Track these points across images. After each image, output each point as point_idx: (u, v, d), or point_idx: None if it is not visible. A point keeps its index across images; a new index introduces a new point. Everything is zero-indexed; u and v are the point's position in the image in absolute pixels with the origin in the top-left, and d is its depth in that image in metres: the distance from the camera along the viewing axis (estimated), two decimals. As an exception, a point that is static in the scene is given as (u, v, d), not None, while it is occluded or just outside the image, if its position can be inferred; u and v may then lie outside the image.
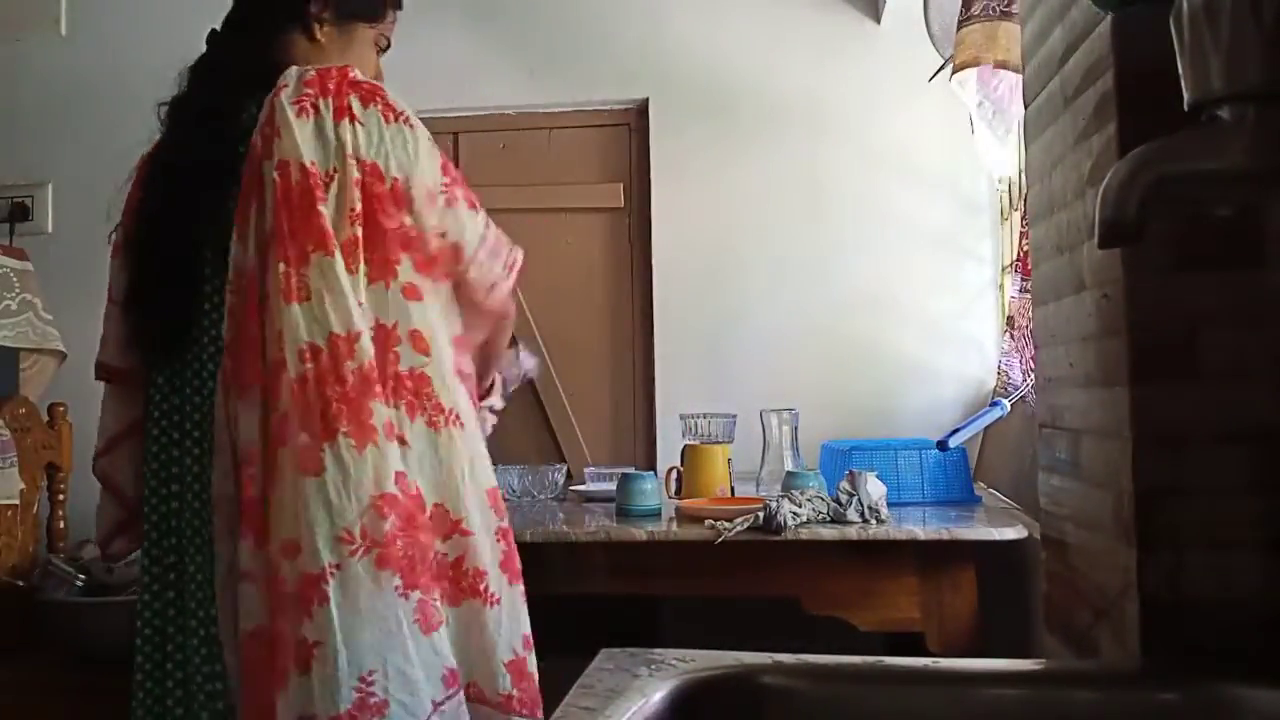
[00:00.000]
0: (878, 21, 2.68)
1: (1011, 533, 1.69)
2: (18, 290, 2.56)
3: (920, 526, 1.72)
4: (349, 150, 1.22)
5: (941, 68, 2.27)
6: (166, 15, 2.95)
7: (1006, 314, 2.37)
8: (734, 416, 2.18)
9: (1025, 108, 1.19)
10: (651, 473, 2.03)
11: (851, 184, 2.67)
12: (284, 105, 1.23)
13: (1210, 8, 0.65)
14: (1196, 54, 0.67)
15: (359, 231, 1.22)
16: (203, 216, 1.30)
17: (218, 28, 1.45)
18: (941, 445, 1.96)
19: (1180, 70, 0.68)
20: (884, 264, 2.64)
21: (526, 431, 2.70)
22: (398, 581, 1.16)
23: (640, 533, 1.76)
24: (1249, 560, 0.82)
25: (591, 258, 2.79)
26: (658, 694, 0.77)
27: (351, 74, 1.29)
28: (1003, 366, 2.30)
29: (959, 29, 1.93)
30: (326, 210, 1.20)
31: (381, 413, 1.19)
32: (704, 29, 2.75)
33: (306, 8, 1.38)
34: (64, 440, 2.59)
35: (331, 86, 1.25)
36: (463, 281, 1.31)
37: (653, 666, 0.82)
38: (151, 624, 1.35)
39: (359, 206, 1.22)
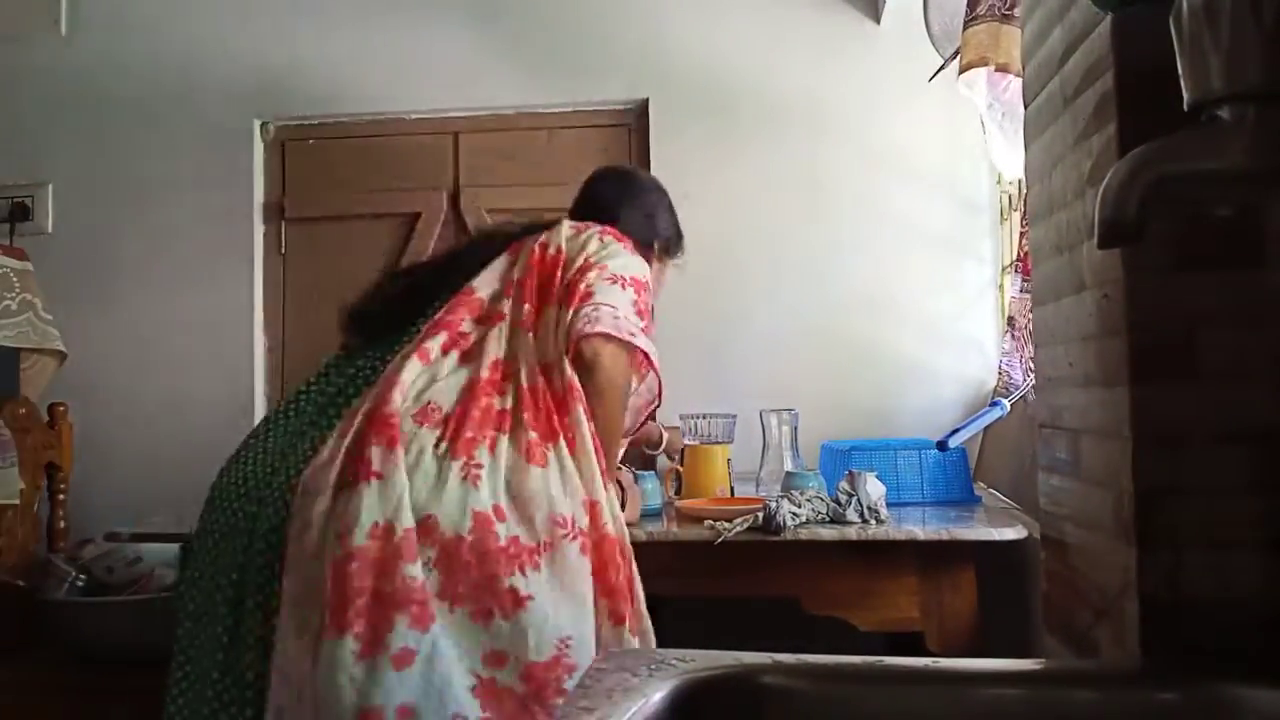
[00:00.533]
0: (878, 21, 2.68)
1: (1011, 533, 1.69)
2: (18, 290, 2.56)
3: (920, 526, 1.72)
4: (585, 249, 1.60)
5: (941, 68, 2.27)
6: (166, 15, 2.95)
7: (1007, 314, 2.37)
8: (734, 416, 2.18)
9: (1025, 108, 1.19)
10: (651, 473, 2.03)
11: (851, 184, 2.67)
12: (564, 220, 1.68)
13: (1210, 8, 0.65)
14: (1196, 54, 0.67)
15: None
16: (457, 272, 1.64)
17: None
18: (941, 445, 1.96)
19: (1180, 70, 0.69)
20: (884, 264, 2.64)
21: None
22: (589, 569, 1.38)
23: (640, 533, 1.76)
24: (1249, 560, 0.82)
25: (591, 258, 2.79)
26: (658, 694, 0.77)
27: (617, 231, 1.68)
28: (1003, 367, 2.30)
29: (965, 28, 1.93)
30: (558, 280, 1.58)
31: (586, 427, 1.46)
32: (704, 29, 2.75)
33: (653, 247, 1.86)
34: (64, 440, 2.59)
35: (599, 228, 1.67)
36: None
37: (653, 666, 0.82)
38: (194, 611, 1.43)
39: (583, 288, 1.55)
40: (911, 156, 2.64)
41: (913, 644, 1.77)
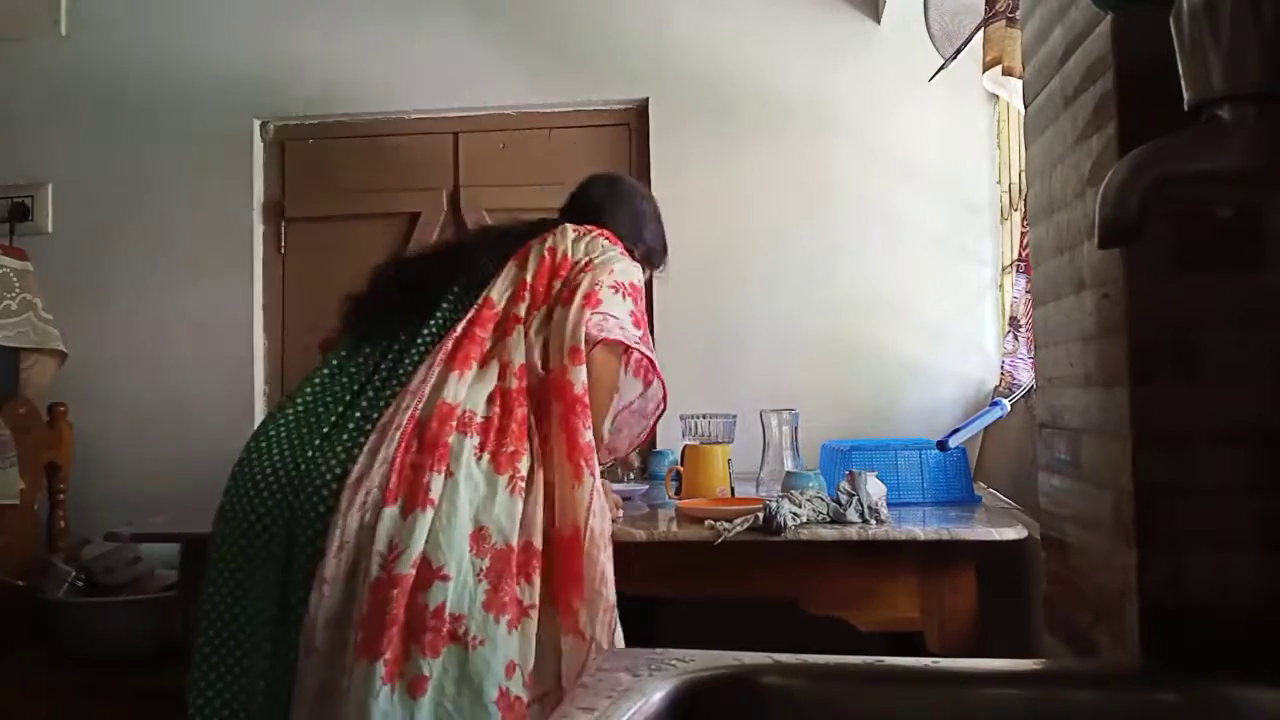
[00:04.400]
0: (878, 21, 2.68)
1: (1011, 533, 1.68)
2: (18, 290, 2.56)
3: (920, 526, 1.72)
4: (589, 254, 1.67)
5: (941, 68, 2.27)
6: (166, 15, 2.95)
7: (1009, 314, 2.37)
8: (734, 416, 2.18)
9: (1025, 108, 1.19)
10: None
11: (851, 184, 2.67)
12: (567, 225, 1.73)
13: (1210, 8, 0.65)
14: (1196, 54, 0.67)
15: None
16: (459, 270, 1.69)
17: None
18: (941, 445, 1.96)
19: (1180, 70, 0.68)
20: (884, 264, 2.64)
21: (526, 431, 2.70)
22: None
23: (640, 533, 1.76)
24: (1249, 560, 0.82)
25: (591, 258, 2.79)
26: (658, 694, 0.77)
27: (614, 234, 1.76)
28: (1006, 367, 2.30)
29: (986, 24, 1.94)
30: (561, 283, 1.62)
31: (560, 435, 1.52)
32: (704, 29, 2.75)
33: (635, 251, 1.82)
34: (64, 440, 2.60)
35: (599, 230, 1.74)
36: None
37: (653, 666, 0.82)
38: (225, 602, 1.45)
39: (586, 288, 1.60)
40: (911, 156, 2.64)
41: (913, 644, 1.76)
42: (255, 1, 2.93)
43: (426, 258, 1.81)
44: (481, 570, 1.37)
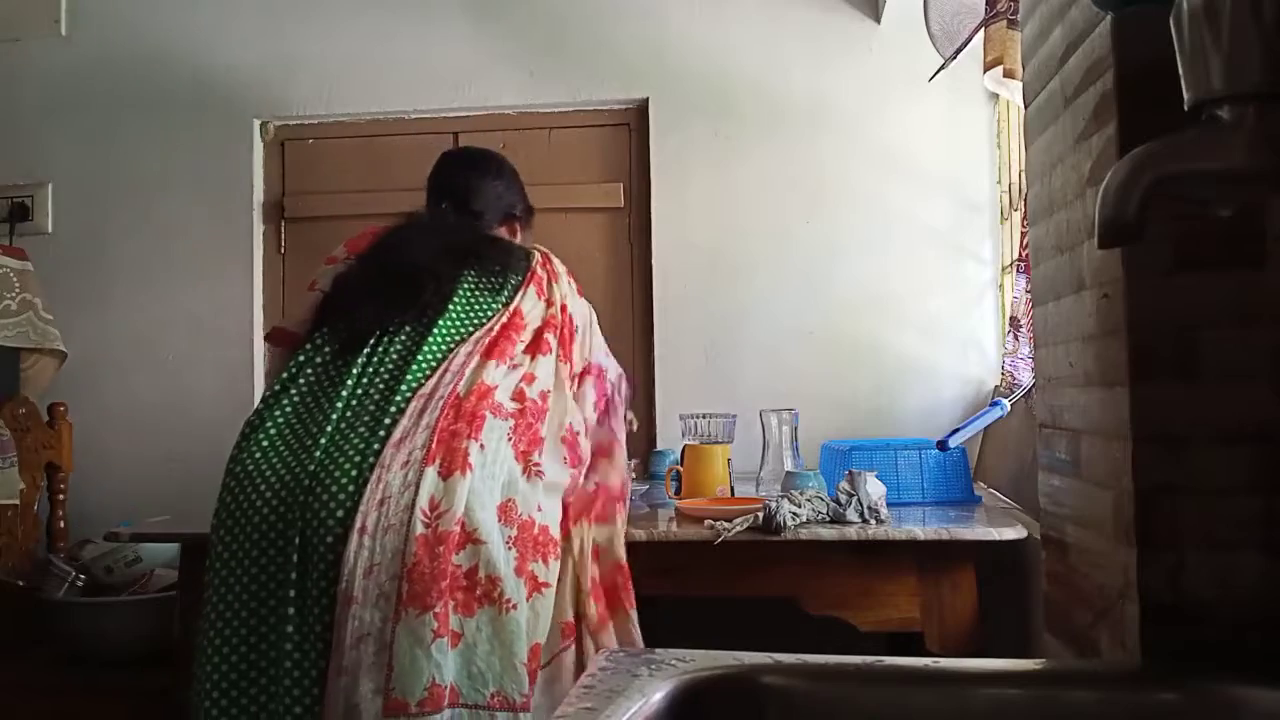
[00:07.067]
0: (878, 21, 2.68)
1: (1011, 533, 1.69)
2: (18, 290, 2.56)
3: (920, 526, 1.72)
4: (582, 315, 1.82)
5: (941, 67, 2.27)
6: (166, 15, 2.95)
7: (1009, 314, 2.37)
8: (734, 416, 2.18)
9: (1025, 108, 1.19)
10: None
11: (852, 184, 2.67)
12: (557, 262, 1.83)
13: (1210, 8, 0.65)
14: (1196, 54, 0.67)
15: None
16: (447, 265, 1.73)
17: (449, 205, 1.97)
18: (941, 445, 1.96)
19: (1180, 70, 0.69)
20: (884, 264, 2.64)
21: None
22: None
23: (640, 533, 1.76)
24: (1249, 560, 0.82)
25: (591, 258, 2.79)
26: (658, 694, 0.77)
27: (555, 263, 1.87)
28: (1007, 367, 2.30)
29: (987, 25, 1.94)
30: (576, 349, 1.78)
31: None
32: (705, 29, 2.75)
33: (516, 215, 2.00)
34: (64, 440, 2.60)
35: (565, 269, 1.84)
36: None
37: (653, 666, 0.82)
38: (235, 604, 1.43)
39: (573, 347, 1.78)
40: (912, 156, 2.64)
41: (913, 644, 1.76)
42: (256, 1, 2.93)
43: (423, 245, 1.80)
44: (510, 538, 1.46)
